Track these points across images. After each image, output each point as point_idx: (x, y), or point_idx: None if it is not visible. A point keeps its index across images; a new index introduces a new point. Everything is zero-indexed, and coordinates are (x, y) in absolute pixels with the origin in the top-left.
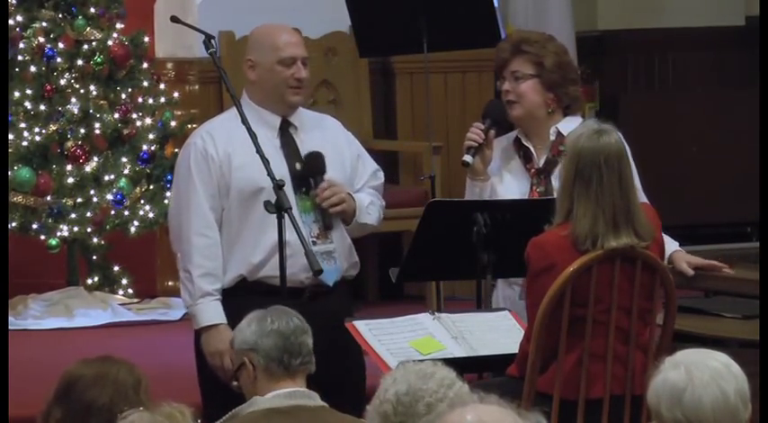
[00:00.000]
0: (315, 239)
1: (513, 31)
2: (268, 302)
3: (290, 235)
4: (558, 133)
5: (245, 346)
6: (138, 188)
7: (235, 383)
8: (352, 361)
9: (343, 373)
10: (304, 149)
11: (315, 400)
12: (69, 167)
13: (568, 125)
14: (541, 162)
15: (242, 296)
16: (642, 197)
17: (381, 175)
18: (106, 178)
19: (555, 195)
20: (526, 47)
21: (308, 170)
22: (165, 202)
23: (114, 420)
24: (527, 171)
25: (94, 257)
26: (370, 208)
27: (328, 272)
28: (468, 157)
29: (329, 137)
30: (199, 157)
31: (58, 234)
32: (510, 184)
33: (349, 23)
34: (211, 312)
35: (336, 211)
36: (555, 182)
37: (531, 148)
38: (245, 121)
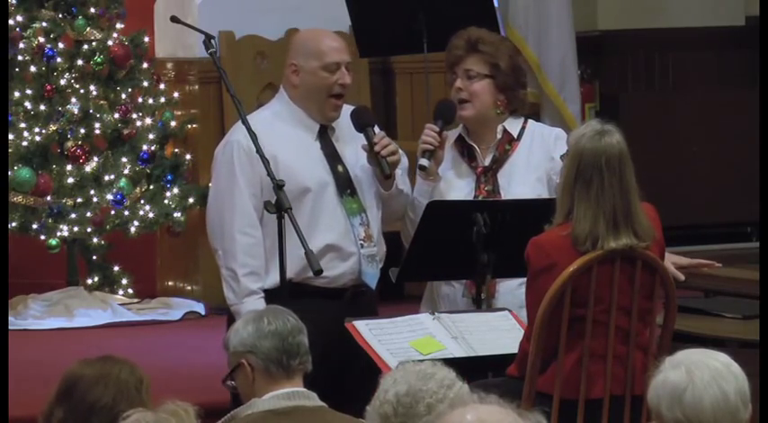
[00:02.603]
0: (362, 242)
1: (467, 29)
2: (311, 304)
3: (336, 239)
4: (505, 131)
5: (241, 349)
6: (138, 188)
7: (230, 383)
8: None
9: (374, 371)
10: (344, 153)
11: (313, 400)
12: (69, 167)
13: (514, 124)
14: (487, 161)
15: (286, 298)
16: None
17: (405, 160)
18: (106, 178)
19: (501, 192)
20: (482, 46)
21: (359, 123)
22: (166, 201)
23: (116, 420)
24: (472, 170)
25: (94, 257)
26: (402, 177)
27: (372, 275)
28: (424, 161)
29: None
30: (242, 155)
31: (58, 234)
32: (454, 183)
33: (349, 23)
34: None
35: (394, 161)
36: (501, 179)
37: (476, 147)
38: (245, 121)
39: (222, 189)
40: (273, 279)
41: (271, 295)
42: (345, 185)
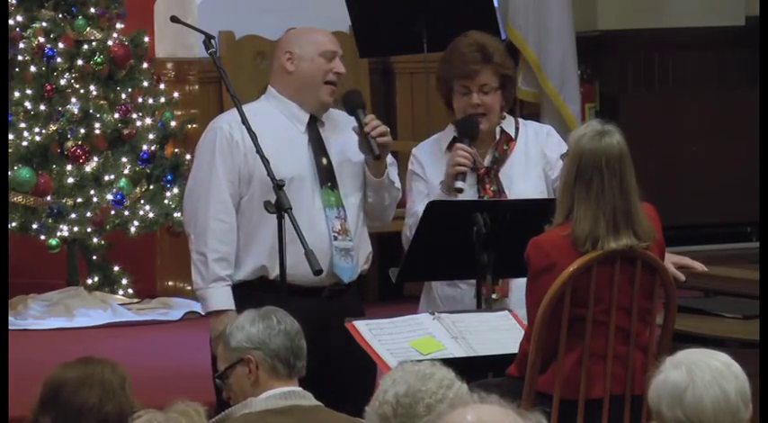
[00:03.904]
0: (336, 234)
1: (472, 36)
2: (287, 302)
3: (309, 231)
4: (503, 132)
5: (248, 344)
6: (138, 188)
7: (219, 381)
8: (368, 359)
9: (357, 370)
10: (330, 146)
11: (309, 399)
12: (69, 167)
13: (508, 124)
14: (486, 161)
15: (261, 293)
16: None
17: (394, 169)
18: (106, 178)
19: (506, 191)
20: (495, 58)
21: (350, 105)
22: (166, 202)
23: (105, 420)
24: (473, 172)
25: (94, 257)
26: (393, 173)
27: (345, 269)
28: (460, 184)
29: (353, 137)
30: (224, 142)
31: (58, 234)
32: None
33: (349, 23)
34: (222, 298)
35: (384, 142)
36: (503, 179)
37: (474, 150)
38: (244, 122)
39: (200, 174)
40: (245, 271)
41: (244, 288)
42: (326, 178)
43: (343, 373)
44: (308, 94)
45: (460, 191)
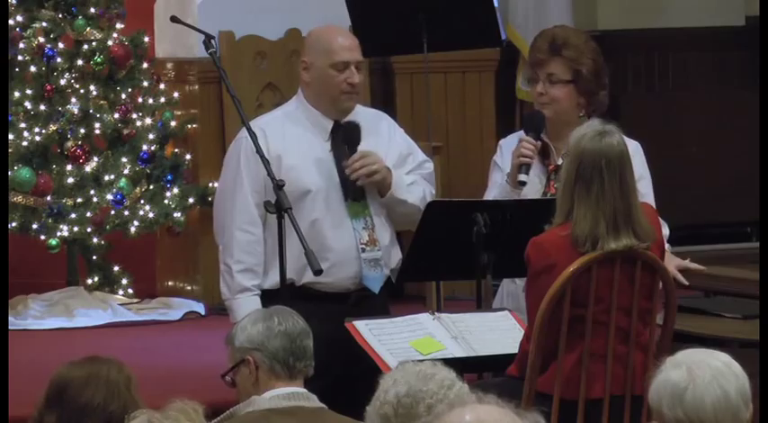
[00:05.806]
0: (363, 246)
1: (553, 29)
2: (315, 307)
3: (336, 242)
4: None
5: (249, 345)
6: (138, 188)
7: (227, 378)
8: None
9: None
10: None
11: (313, 401)
12: (69, 167)
13: None
14: (560, 160)
15: (287, 299)
16: (651, 202)
17: (430, 165)
18: (106, 178)
19: None
20: (565, 51)
21: (343, 140)
22: (165, 201)
23: (109, 420)
24: (545, 167)
25: (94, 257)
26: (411, 187)
27: (374, 279)
28: (524, 176)
29: (381, 141)
30: (249, 152)
31: (58, 234)
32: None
33: (349, 23)
34: (249, 307)
35: (367, 182)
36: None
37: (551, 145)
38: (244, 121)
39: (227, 185)
40: (274, 279)
41: (273, 296)
42: (352, 188)
43: (368, 377)
44: (327, 103)
45: (523, 184)
